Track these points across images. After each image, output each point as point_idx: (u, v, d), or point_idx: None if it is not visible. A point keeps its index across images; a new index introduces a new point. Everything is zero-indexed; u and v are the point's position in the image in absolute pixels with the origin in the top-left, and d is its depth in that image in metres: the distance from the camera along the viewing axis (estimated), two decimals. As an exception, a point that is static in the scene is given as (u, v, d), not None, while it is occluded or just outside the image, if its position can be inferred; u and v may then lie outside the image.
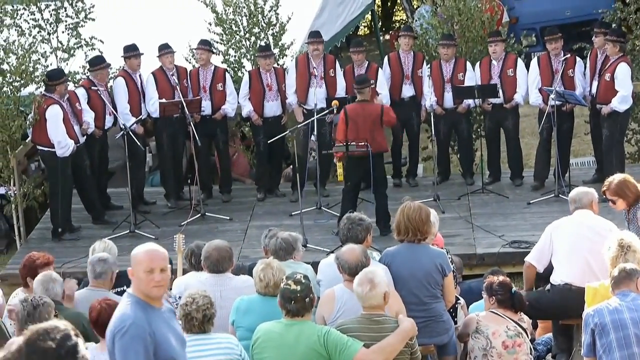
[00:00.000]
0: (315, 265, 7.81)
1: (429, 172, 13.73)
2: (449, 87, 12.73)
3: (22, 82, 12.15)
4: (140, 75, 12.49)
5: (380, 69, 12.77)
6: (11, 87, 12.14)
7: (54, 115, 11.65)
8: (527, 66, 12.73)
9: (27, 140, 12.48)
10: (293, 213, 12.25)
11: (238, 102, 12.77)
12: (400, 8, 23.51)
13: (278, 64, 13.10)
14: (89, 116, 12.10)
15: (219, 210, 12.69)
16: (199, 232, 11.56)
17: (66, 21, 12.97)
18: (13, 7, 12.85)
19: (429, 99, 12.54)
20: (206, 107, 12.67)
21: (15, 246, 12.61)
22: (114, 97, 12.43)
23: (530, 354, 7.44)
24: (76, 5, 13.06)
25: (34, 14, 12.84)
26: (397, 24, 24.00)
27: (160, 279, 5.06)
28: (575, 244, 7.85)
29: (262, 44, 12.98)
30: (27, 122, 11.96)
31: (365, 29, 23.31)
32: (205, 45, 12.64)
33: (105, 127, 12.39)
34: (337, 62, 12.95)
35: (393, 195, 12.71)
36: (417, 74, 12.83)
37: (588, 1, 16.80)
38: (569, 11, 17.63)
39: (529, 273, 8.11)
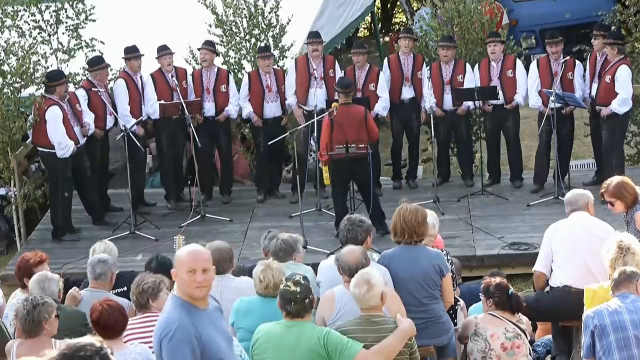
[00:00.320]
0: (315, 267, 7.82)
1: (429, 173, 13.74)
2: (449, 89, 12.74)
3: (22, 83, 12.16)
4: (140, 77, 12.51)
5: (381, 71, 12.78)
6: (11, 88, 12.15)
7: (54, 116, 11.67)
8: (527, 68, 12.75)
9: (27, 142, 12.49)
10: (293, 214, 12.26)
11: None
12: (400, 10, 23.54)
13: (278, 66, 13.11)
14: (89, 118, 12.12)
15: (219, 211, 12.69)
16: (199, 233, 11.56)
17: (66, 22, 12.98)
18: (13, 8, 12.86)
19: (428, 100, 12.55)
20: (209, 108, 12.69)
21: (16, 247, 12.62)
22: (114, 98, 12.44)
23: (530, 355, 7.45)
24: (76, 7, 13.07)
25: (35, 15, 12.85)
26: (397, 25, 24.02)
27: (202, 279, 5.04)
28: (572, 246, 7.87)
29: (262, 45, 13.00)
30: (28, 124, 11.97)
31: (365, 30, 23.34)
32: (209, 46, 12.65)
33: (106, 128, 12.40)
34: (336, 62, 12.97)
35: (392, 197, 12.74)
36: (417, 76, 12.84)
37: (588, 3, 16.81)
38: (568, 13, 17.64)
39: (540, 282, 8.14)
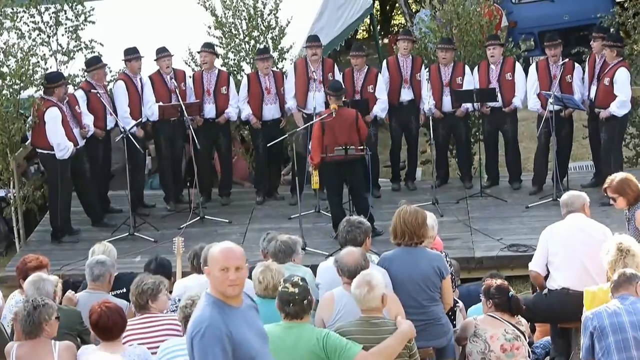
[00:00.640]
0: (314, 268, 7.83)
1: (428, 175, 13.75)
2: (448, 91, 12.75)
3: (21, 84, 12.16)
4: (140, 78, 12.52)
5: (379, 74, 12.79)
6: (11, 89, 12.14)
7: (53, 117, 11.67)
8: (526, 70, 12.76)
9: (26, 143, 12.50)
10: (292, 216, 12.27)
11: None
12: (399, 12, 23.56)
13: (277, 68, 13.12)
14: (88, 119, 12.14)
15: (218, 213, 12.69)
16: (198, 235, 11.56)
17: (66, 24, 12.97)
18: (13, 9, 12.86)
19: (427, 102, 12.56)
20: (210, 110, 12.70)
21: (15, 248, 12.62)
22: (114, 99, 12.45)
23: (529, 357, 7.46)
24: (76, 8, 13.06)
25: (34, 17, 12.84)
26: (396, 27, 24.04)
27: (235, 277, 5.04)
28: (570, 248, 7.88)
29: (261, 47, 13.00)
30: (27, 125, 11.97)
31: (364, 32, 23.34)
32: (210, 48, 12.66)
33: (107, 128, 12.41)
34: (335, 65, 12.97)
35: (392, 199, 12.75)
36: (416, 78, 12.85)
37: (586, 5, 16.83)
38: (567, 16, 17.65)
39: (537, 279, 8.15)
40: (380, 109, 12.68)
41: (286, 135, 12.14)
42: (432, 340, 7.29)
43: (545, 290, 8.06)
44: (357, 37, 20.89)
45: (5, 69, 12.21)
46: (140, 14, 14.38)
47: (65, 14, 12.97)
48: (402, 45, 12.91)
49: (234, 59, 13.45)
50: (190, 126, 12.04)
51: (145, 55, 12.46)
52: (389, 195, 13.04)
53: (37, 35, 12.77)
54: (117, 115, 12.22)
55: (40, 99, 11.84)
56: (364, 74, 12.66)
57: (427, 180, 13.50)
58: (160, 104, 12.31)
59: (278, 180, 13.51)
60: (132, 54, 12.39)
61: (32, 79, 12.15)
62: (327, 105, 12.09)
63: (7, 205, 12.83)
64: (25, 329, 6.57)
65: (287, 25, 13.32)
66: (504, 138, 12.93)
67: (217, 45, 13.28)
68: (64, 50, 12.90)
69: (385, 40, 21.49)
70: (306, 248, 10.75)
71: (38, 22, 12.86)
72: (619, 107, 11.91)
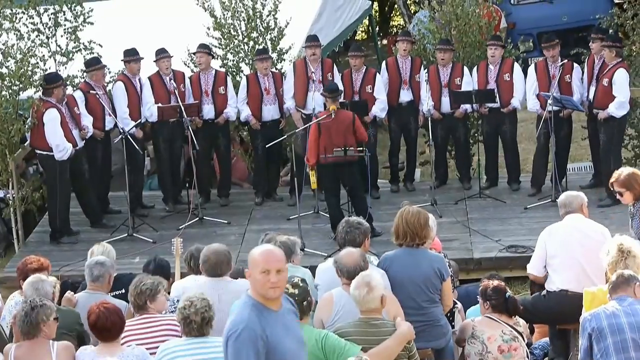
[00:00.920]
0: (312, 269, 7.83)
1: (427, 176, 13.75)
2: (446, 92, 12.76)
3: (20, 86, 12.16)
4: (139, 80, 12.52)
5: (378, 73, 12.80)
6: (10, 91, 12.14)
7: (52, 119, 11.67)
8: (524, 71, 12.76)
9: (25, 144, 12.49)
10: (291, 217, 12.27)
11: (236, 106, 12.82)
12: (398, 13, 23.55)
13: (276, 68, 13.13)
14: (87, 121, 12.14)
15: (217, 214, 12.69)
16: (196, 236, 11.54)
17: (65, 25, 12.97)
18: (12, 10, 12.85)
19: (426, 103, 12.56)
20: (209, 111, 12.70)
21: (14, 249, 12.62)
22: (112, 100, 12.45)
23: (527, 358, 7.46)
24: (75, 10, 13.06)
25: (33, 18, 12.83)
26: (395, 28, 24.04)
27: (276, 280, 5.04)
28: (568, 250, 7.89)
29: (260, 48, 13.00)
30: (26, 126, 11.97)
31: (363, 33, 23.34)
32: (204, 49, 12.66)
33: (106, 129, 12.41)
34: (334, 66, 12.98)
35: (390, 199, 12.77)
36: (415, 79, 12.85)
37: (585, 7, 16.84)
38: (566, 17, 17.65)
39: (537, 280, 8.16)
40: (379, 109, 12.69)
41: (285, 136, 12.14)
42: (431, 342, 7.29)
43: (544, 292, 8.06)
44: (355, 38, 20.88)
45: (4, 70, 12.20)
46: (139, 15, 14.37)
47: (64, 15, 12.97)
48: (402, 47, 12.91)
49: (233, 60, 13.45)
50: (189, 127, 12.05)
51: (144, 57, 12.46)
52: (388, 196, 13.05)
53: (36, 36, 12.77)
54: (116, 116, 12.22)
55: (39, 100, 11.84)
56: (363, 75, 12.67)
57: (426, 181, 13.51)
58: (160, 105, 12.32)
59: (277, 181, 13.51)
60: (131, 56, 12.40)
61: (31, 80, 12.15)
62: (326, 106, 12.09)
63: (6, 206, 12.82)
64: (23, 329, 6.56)
65: (286, 27, 13.33)
66: (502, 139, 12.92)
67: (216, 46, 13.29)
68: (63, 51, 12.89)
69: (384, 42, 21.50)
70: (305, 249, 10.76)
71: (37, 23, 12.85)
72: (618, 108, 11.91)
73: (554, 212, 11.53)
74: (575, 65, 12.57)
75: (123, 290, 7.83)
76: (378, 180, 13.31)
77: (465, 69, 12.84)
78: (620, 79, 11.87)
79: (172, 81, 12.42)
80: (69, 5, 13.02)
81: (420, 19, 14.60)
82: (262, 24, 13.38)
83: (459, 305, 8.30)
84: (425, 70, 12.82)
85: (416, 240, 7.37)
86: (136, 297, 7.08)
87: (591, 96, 12.23)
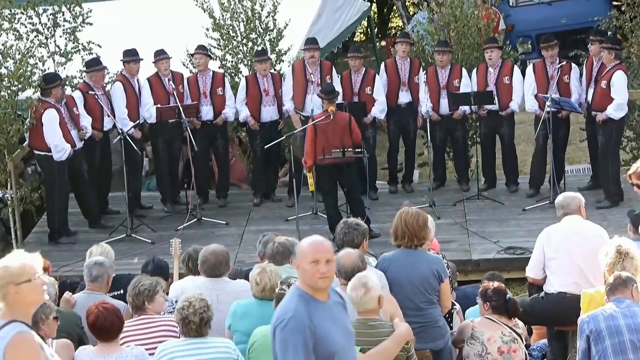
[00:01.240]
0: (311, 270, 7.82)
1: (425, 178, 13.77)
2: (445, 94, 12.77)
3: (19, 86, 12.15)
4: (138, 80, 12.53)
5: (377, 75, 12.80)
6: (9, 91, 12.14)
7: (50, 119, 11.68)
8: (523, 73, 12.77)
9: (24, 144, 12.50)
10: (289, 218, 12.28)
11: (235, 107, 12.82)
12: (397, 14, 23.56)
13: (275, 70, 13.13)
14: (86, 121, 12.15)
15: (215, 214, 12.70)
16: (195, 237, 11.57)
17: (64, 25, 12.97)
18: (11, 11, 12.85)
19: (425, 105, 12.58)
20: (207, 112, 12.71)
21: (12, 250, 12.58)
22: (111, 101, 12.46)
23: (526, 359, 7.47)
24: (74, 10, 13.06)
25: (32, 18, 12.83)
26: (394, 30, 24.05)
27: (326, 270, 5.04)
28: (566, 252, 7.88)
29: (259, 49, 13.02)
30: (25, 127, 11.98)
31: (362, 35, 23.36)
32: (203, 50, 12.67)
33: (105, 129, 12.41)
34: (333, 68, 12.99)
35: (389, 201, 12.78)
36: (414, 81, 12.86)
37: (584, 9, 16.85)
38: (564, 19, 17.68)
39: (536, 281, 8.17)
40: (378, 110, 12.70)
41: (283, 137, 12.14)
42: (429, 343, 7.29)
43: (542, 293, 8.07)
44: (354, 39, 20.90)
45: (3, 71, 12.20)
46: (138, 16, 14.38)
47: (63, 15, 12.96)
48: (400, 48, 12.91)
49: (232, 61, 13.46)
50: (188, 128, 12.06)
51: (143, 58, 12.47)
52: (386, 197, 13.07)
53: (35, 36, 12.76)
54: (114, 117, 12.23)
55: (38, 100, 11.85)
56: (361, 76, 12.68)
57: (424, 183, 13.52)
58: (158, 106, 12.32)
59: (275, 182, 13.52)
60: (131, 56, 12.41)
61: (29, 80, 12.14)
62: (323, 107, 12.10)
63: (5, 206, 12.81)
64: (22, 328, 6.56)
65: (285, 28, 13.33)
66: (500, 141, 12.94)
67: (215, 47, 13.29)
68: (61, 51, 12.89)
69: (383, 43, 21.51)
70: (303, 250, 10.74)
71: (36, 23, 12.85)
72: (616, 109, 11.92)
73: (552, 213, 11.50)
74: (574, 65, 12.58)
75: (122, 291, 7.82)
76: (376, 182, 13.32)
77: (464, 70, 12.85)
78: (619, 81, 11.88)
79: (171, 82, 12.43)
80: (68, 6, 13.02)
81: (419, 20, 14.62)
82: (261, 25, 13.38)
83: (457, 306, 8.31)
84: (424, 72, 12.84)
85: (415, 242, 7.37)
86: (134, 297, 7.09)
87: (589, 98, 12.24)
